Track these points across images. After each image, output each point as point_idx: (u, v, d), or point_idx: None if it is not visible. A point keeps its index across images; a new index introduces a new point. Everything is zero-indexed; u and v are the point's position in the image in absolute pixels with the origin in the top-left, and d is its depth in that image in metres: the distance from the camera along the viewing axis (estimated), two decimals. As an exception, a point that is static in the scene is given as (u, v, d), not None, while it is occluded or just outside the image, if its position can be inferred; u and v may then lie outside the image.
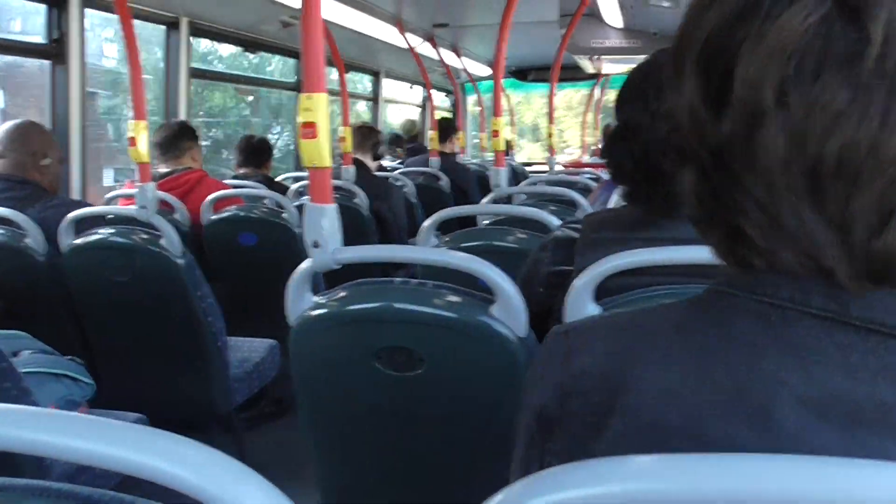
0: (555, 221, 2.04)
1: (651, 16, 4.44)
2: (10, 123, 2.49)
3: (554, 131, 4.57)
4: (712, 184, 0.50)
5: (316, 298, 1.33)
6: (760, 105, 0.45)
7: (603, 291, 1.17)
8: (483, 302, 1.27)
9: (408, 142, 6.53)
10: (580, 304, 1.16)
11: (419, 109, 8.11)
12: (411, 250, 1.59)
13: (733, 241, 0.50)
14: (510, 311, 1.24)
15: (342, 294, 1.31)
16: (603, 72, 7.69)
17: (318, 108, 1.26)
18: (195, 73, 3.96)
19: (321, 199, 1.31)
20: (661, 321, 0.54)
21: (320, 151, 1.28)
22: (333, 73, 4.21)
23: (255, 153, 3.82)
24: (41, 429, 0.49)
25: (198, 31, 3.90)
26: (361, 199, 3.46)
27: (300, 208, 2.86)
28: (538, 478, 0.44)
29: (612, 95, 9.03)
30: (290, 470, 2.55)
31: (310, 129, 1.25)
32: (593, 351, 0.55)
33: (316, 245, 1.30)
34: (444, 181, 4.98)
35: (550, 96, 4.60)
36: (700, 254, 1.11)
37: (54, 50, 3.02)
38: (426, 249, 1.54)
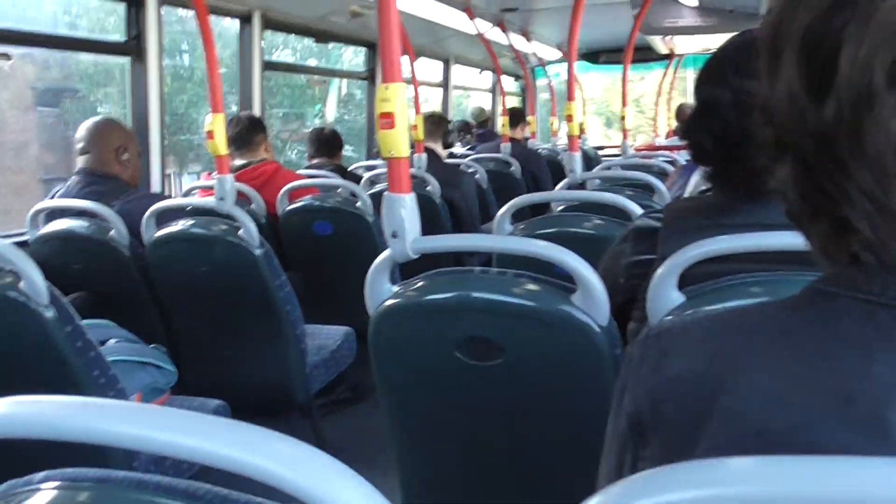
0: (632, 206, 2.00)
1: (727, -8, 4.32)
2: (91, 120, 2.57)
3: (627, 114, 4.48)
4: (814, 174, 0.48)
5: (395, 288, 1.32)
6: (870, 87, 0.43)
7: (687, 280, 1.14)
8: (564, 290, 1.25)
9: (477, 127, 6.51)
10: (663, 292, 1.13)
11: (489, 95, 8.08)
12: (490, 239, 1.58)
13: (838, 234, 0.48)
14: (592, 299, 1.21)
15: (421, 283, 1.30)
16: (676, 52, 7.51)
17: (396, 98, 1.25)
18: (268, 66, 4.01)
19: (399, 188, 1.30)
20: (761, 322, 0.52)
21: (398, 141, 1.27)
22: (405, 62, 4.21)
23: (327, 144, 3.87)
24: (148, 425, 0.49)
25: (270, 23, 3.95)
26: (434, 187, 3.46)
27: (373, 197, 2.88)
28: (640, 479, 0.42)
29: (687, 75, 8.84)
30: (367, 456, 2.57)
31: (388, 119, 1.25)
32: (688, 354, 0.54)
33: (395, 235, 1.30)
34: (516, 167, 4.94)
35: (624, 78, 4.51)
36: (786, 239, 1.08)
37: (133, 48, 3.09)
38: (505, 238, 1.52)
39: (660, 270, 1.13)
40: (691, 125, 1.19)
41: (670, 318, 0.61)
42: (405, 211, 1.29)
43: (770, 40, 0.50)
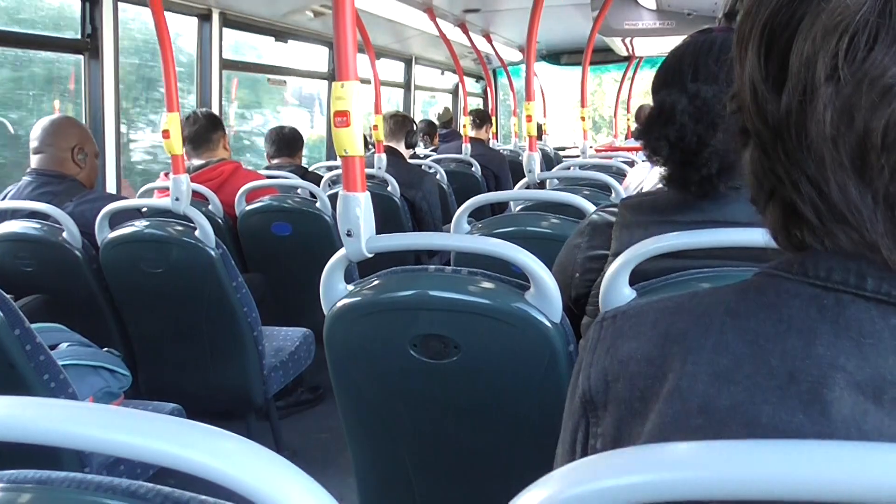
0: (589, 206, 2.02)
1: (685, -4, 4.37)
2: (46, 119, 2.51)
3: (586, 114, 4.51)
4: (770, 161, 0.50)
5: (350, 287, 1.32)
6: (813, 80, 0.45)
7: (640, 276, 1.15)
8: (517, 288, 1.25)
9: (441, 127, 6.52)
10: (615, 288, 1.14)
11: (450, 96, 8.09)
12: (444, 237, 1.58)
13: (789, 220, 0.50)
14: (545, 296, 1.22)
15: (376, 282, 1.30)
16: (636, 53, 7.58)
17: (351, 96, 1.25)
18: (226, 65, 3.97)
19: (354, 187, 1.30)
20: (712, 305, 0.53)
21: (353, 140, 1.26)
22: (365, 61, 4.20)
23: (287, 143, 3.83)
24: (92, 424, 0.48)
25: (229, 22, 3.91)
26: (394, 187, 3.46)
27: (332, 198, 2.86)
28: (575, 467, 0.43)
29: (645, 76, 8.94)
30: (326, 458, 2.59)
31: (342, 117, 1.24)
32: (641, 335, 0.55)
33: (349, 234, 1.29)
34: (476, 168, 4.96)
35: (583, 79, 4.54)
36: (738, 236, 1.10)
37: (88, 45, 3.04)
38: (459, 237, 1.52)
39: (612, 266, 1.14)
40: (648, 129, 1.20)
41: (627, 303, 0.62)
42: (360, 209, 1.29)
43: (740, 29, 0.51)
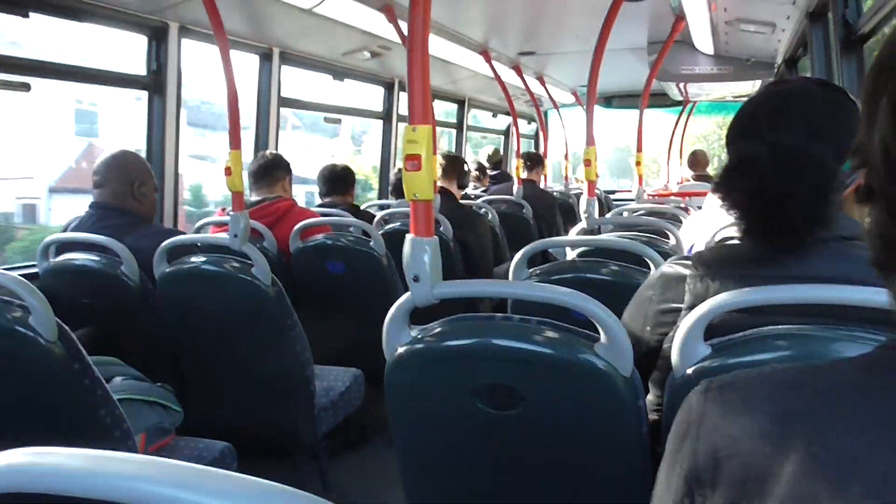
0: (651, 253, 1.97)
1: (744, 42, 4.32)
2: (108, 153, 2.55)
3: (642, 159, 4.47)
4: None
5: (414, 332, 1.29)
6: None
7: (713, 331, 1.11)
8: (587, 339, 1.21)
9: (491, 168, 6.53)
10: (691, 342, 1.11)
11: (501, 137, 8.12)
12: (514, 286, 1.55)
13: None
14: (615, 348, 1.18)
15: (441, 329, 1.27)
16: (690, 98, 7.53)
17: (424, 140, 1.23)
18: (284, 102, 4.02)
19: (423, 231, 1.28)
20: (835, 381, 0.49)
21: (424, 184, 1.24)
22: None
23: (339, 182, 3.84)
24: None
25: (288, 60, 3.97)
26: (446, 228, 3.44)
27: (385, 237, 2.85)
28: None
29: (699, 122, 8.87)
30: (373, 498, 2.54)
31: (415, 160, 1.22)
32: (754, 410, 0.51)
33: (416, 279, 1.27)
34: (528, 210, 4.94)
35: (640, 123, 4.51)
36: (823, 293, 1.05)
37: (153, 81, 3.10)
38: (531, 285, 1.49)
39: (688, 319, 1.10)
40: (726, 181, 1.16)
41: (737, 371, 0.58)
42: (428, 255, 1.26)
43: (870, 85, 0.48)
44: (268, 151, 3.18)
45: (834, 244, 1.09)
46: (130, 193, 2.50)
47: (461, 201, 4.03)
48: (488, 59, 4.92)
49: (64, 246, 2.44)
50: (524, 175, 5.28)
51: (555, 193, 5.99)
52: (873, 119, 0.47)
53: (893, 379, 0.46)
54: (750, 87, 5.62)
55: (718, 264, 1.19)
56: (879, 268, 0.50)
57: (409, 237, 1.29)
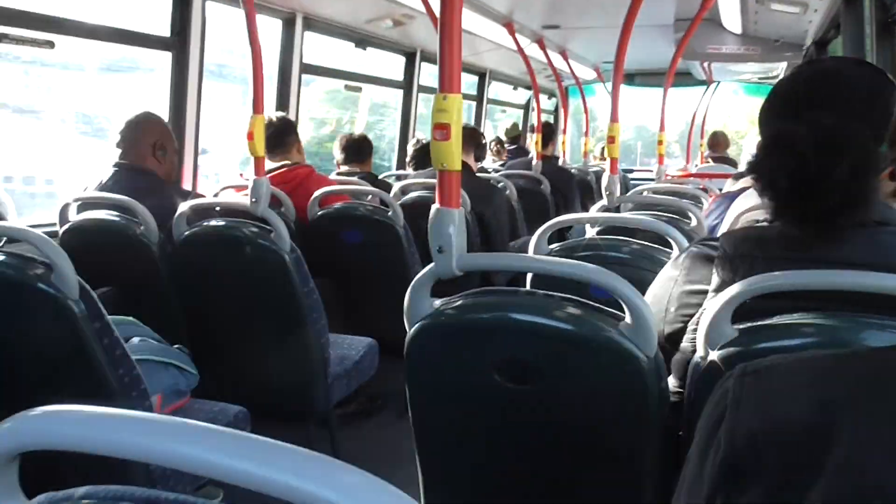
0: (674, 233, 1.95)
1: (774, 21, 4.25)
2: (131, 115, 2.55)
3: (664, 138, 4.42)
4: None
5: (436, 303, 1.28)
6: None
7: (739, 315, 1.09)
8: (611, 317, 1.20)
9: (509, 143, 6.49)
10: (719, 325, 1.09)
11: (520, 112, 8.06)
12: (539, 261, 1.53)
13: None
14: (641, 328, 1.17)
15: (464, 302, 1.26)
16: (714, 77, 7.44)
17: (453, 109, 1.21)
18: (306, 69, 4.00)
19: (449, 202, 1.26)
20: (883, 369, 0.47)
21: (452, 154, 1.23)
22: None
23: (357, 151, 3.83)
24: (218, 450, 0.46)
25: (311, 26, 3.94)
26: (464, 201, 3.42)
27: (404, 207, 2.84)
28: None
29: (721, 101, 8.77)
30: (383, 469, 2.53)
31: (444, 129, 1.21)
32: (795, 397, 0.49)
33: (441, 250, 1.26)
34: (546, 185, 4.90)
35: (663, 102, 4.46)
36: (853, 279, 1.03)
37: (176, 42, 3.08)
38: (557, 261, 1.47)
39: (717, 301, 1.09)
40: (761, 161, 1.13)
41: (773, 356, 0.56)
42: (453, 226, 1.25)
43: None
44: (273, 116, 3.15)
45: (869, 229, 1.08)
46: (151, 154, 2.51)
47: (478, 174, 4.01)
48: (512, 32, 4.87)
49: (86, 205, 2.44)
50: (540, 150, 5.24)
51: (573, 170, 5.95)
52: None
53: None
54: (776, 68, 5.54)
55: (748, 247, 1.17)
56: None
57: (434, 207, 1.28)
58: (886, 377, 0.47)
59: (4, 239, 2.00)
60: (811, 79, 1.15)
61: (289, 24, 3.81)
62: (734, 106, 12.22)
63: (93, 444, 0.49)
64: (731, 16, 4.24)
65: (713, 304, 1.10)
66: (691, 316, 1.21)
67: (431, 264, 1.28)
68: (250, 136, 2.26)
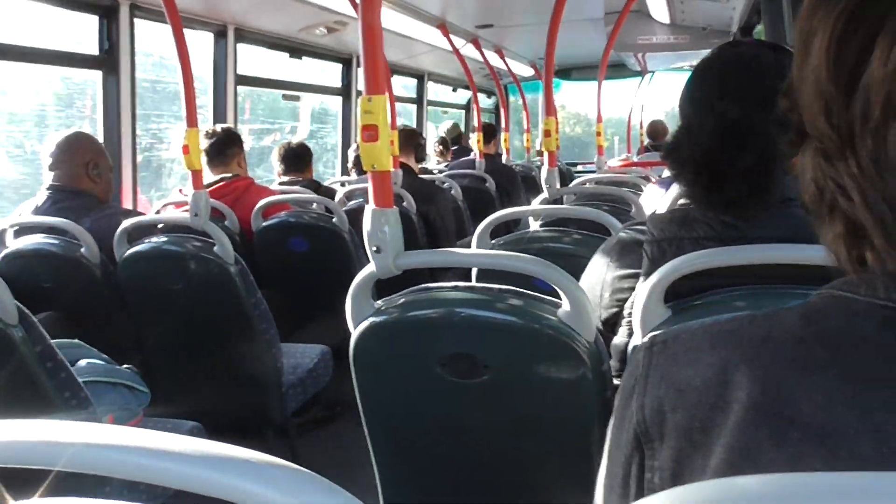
0: (613, 221, 2.00)
1: (699, 10, 4.35)
2: (60, 134, 2.51)
3: (602, 129, 4.49)
4: (834, 170, 0.46)
5: (377, 304, 1.29)
6: None
7: (670, 295, 1.13)
8: (550, 306, 1.23)
9: (451, 143, 6.52)
10: (650, 306, 1.12)
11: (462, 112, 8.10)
12: (476, 255, 1.56)
13: (851, 237, 0.46)
14: (578, 314, 1.19)
15: (404, 300, 1.28)
16: (648, 68, 7.57)
17: (379, 110, 1.23)
18: (241, 80, 3.97)
19: (382, 202, 1.28)
20: (775, 330, 0.50)
21: (381, 154, 1.24)
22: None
23: (297, 159, 3.81)
24: (148, 454, 0.46)
25: (244, 37, 3.92)
26: (409, 203, 3.44)
27: (349, 213, 2.85)
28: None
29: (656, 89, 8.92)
30: (345, 476, 2.53)
31: (371, 131, 1.22)
32: (697, 362, 0.51)
33: (378, 250, 1.27)
34: (490, 183, 4.94)
35: (598, 95, 4.53)
36: (771, 252, 1.07)
37: (105, 60, 3.04)
38: (493, 253, 1.50)
39: (648, 283, 1.12)
40: (673, 148, 1.18)
41: (677, 327, 0.59)
42: (388, 225, 1.27)
43: (805, 20, 0.47)
44: (217, 126, 3.13)
45: (781, 205, 1.12)
46: (85, 174, 2.47)
47: (421, 175, 4.03)
48: (446, 33, 4.90)
49: (22, 230, 2.40)
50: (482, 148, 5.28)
51: (517, 167, 6.00)
52: (806, 58, 0.47)
53: (829, 326, 0.47)
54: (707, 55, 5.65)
55: (673, 229, 1.20)
56: (811, 212, 0.50)
57: (368, 208, 1.29)
58: (779, 336, 0.49)
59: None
60: (724, 66, 1.17)
61: (220, 36, 3.78)
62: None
63: (38, 457, 0.49)
64: (658, 6, 4.33)
65: (646, 286, 1.13)
66: (625, 300, 1.24)
67: (370, 265, 1.30)
68: (185, 150, 2.25)
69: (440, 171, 5.28)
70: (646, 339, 0.58)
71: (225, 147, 3.06)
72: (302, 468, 0.46)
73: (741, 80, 1.13)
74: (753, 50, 1.20)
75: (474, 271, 1.95)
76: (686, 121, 1.17)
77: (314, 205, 3.20)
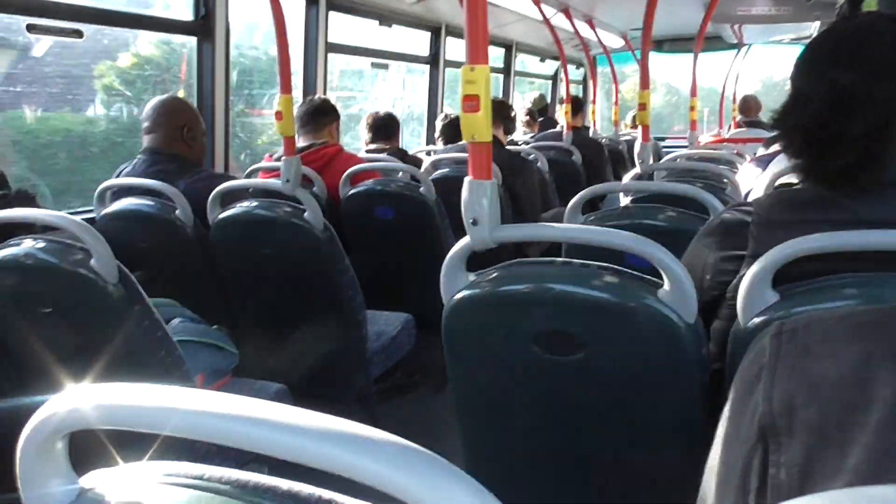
0: (711, 199, 1.93)
1: (805, -21, 4.16)
2: (156, 99, 2.57)
3: (697, 104, 4.35)
4: None
5: (472, 277, 1.27)
6: None
7: (778, 279, 1.08)
8: (650, 285, 1.19)
9: (538, 114, 6.44)
10: (757, 291, 1.08)
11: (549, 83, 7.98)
12: (575, 230, 1.52)
13: None
14: (680, 295, 1.15)
15: (498, 274, 1.25)
16: (745, 41, 7.29)
17: (481, 80, 1.20)
18: (331, 48, 3.99)
19: (481, 174, 1.25)
20: None
21: (482, 125, 1.22)
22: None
23: (384, 128, 3.82)
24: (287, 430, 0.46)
25: (334, 5, 3.93)
26: (495, 174, 3.40)
27: (435, 182, 2.83)
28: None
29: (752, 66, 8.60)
30: (425, 443, 2.55)
31: (472, 101, 1.20)
32: (833, 354, 0.49)
33: (474, 222, 1.25)
34: (577, 156, 4.87)
35: (694, 68, 4.39)
36: (886, 238, 1.01)
37: (201, 27, 3.09)
38: (591, 229, 1.46)
39: (754, 268, 1.08)
40: (783, 118, 1.14)
41: (808, 315, 0.55)
42: (486, 198, 1.25)
43: None
44: (316, 96, 3.16)
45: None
46: (180, 138, 2.52)
47: (508, 147, 3.99)
48: (537, 2, 4.81)
49: (119, 192, 2.47)
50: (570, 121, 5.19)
51: (603, 140, 5.89)
52: None
53: None
54: (809, 28, 5.42)
55: (782, 210, 1.15)
56: None
57: (467, 180, 1.27)
58: None
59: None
60: (838, 36, 1.13)
61: (312, 3, 3.79)
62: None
63: (147, 422, 0.50)
64: (760, -24, 4.15)
65: (753, 269, 1.08)
66: (728, 283, 1.19)
67: (466, 237, 1.28)
68: (279, 116, 2.26)
69: (526, 143, 5.22)
70: (772, 327, 0.55)
71: (320, 115, 3.08)
72: (452, 464, 0.45)
73: (855, 47, 1.09)
74: (870, 19, 1.16)
75: (563, 248, 1.91)
76: (796, 90, 1.14)
77: (400, 174, 3.20)
